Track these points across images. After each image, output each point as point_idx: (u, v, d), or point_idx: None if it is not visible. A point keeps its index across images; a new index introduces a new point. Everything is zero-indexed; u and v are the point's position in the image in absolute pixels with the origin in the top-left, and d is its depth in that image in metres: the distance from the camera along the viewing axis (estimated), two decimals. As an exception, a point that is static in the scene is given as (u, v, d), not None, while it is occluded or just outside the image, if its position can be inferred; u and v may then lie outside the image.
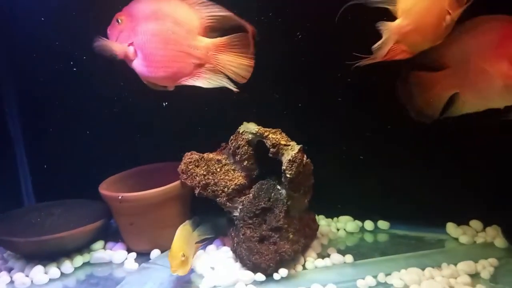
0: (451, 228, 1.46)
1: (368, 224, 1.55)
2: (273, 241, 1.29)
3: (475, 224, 1.45)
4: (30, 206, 1.65)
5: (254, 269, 1.27)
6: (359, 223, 1.55)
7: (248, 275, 1.24)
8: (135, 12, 1.26)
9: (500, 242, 1.35)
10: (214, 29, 1.25)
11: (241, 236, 1.31)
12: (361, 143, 1.51)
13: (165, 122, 1.56)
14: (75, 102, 1.58)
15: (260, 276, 1.24)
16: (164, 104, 1.48)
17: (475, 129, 1.35)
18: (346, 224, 1.55)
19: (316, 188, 1.37)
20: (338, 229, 1.54)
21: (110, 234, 1.51)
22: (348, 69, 1.15)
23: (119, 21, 1.26)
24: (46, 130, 1.61)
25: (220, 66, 1.23)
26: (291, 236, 1.30)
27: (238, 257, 1.32)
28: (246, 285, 1.21)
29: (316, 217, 1.48)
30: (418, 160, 1.48)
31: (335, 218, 1.59)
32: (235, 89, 1.25)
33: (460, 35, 1.22)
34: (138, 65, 1.26)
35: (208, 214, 1.54)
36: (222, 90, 1.28)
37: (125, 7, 1.28)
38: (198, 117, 1.56)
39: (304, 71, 1.48)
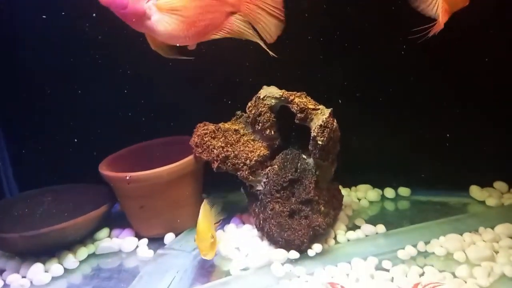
0: (475, 191, 1.42)
1: (389, 192, 1.48)
2: (305, 215, 1.18)
3: (499, 185, 1.42)
4: (16, 196, 1.43)
5: (287, 246, 1.16)
6: (379, 191, 1.48)
7: (281, 253, 1.14)
8: None
9: (527, 201, 1.33)
10: None
11: (269, 212, 1.19)
12: (376, 107, 1.43)
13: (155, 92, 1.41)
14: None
15: (294, 254, 1.14)
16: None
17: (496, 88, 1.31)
18: (366, 193, 1.47)
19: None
20: (359, 199, 1.47)
21: (113, 220, 1.34)
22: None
23: None
24: (25, 115, 1.39)
25: (252, 17, 1.07)
26: (322, 208, 1.20)
27: (266, 234, 1.20)
28: (282, 264, 1.11)
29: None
30: (435, 123, 1.43)
31: (353, 187, 1.52)
32: (270, 53, 1.10)
33: None
34: (160, 23, 1.03)
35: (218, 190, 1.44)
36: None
37: None
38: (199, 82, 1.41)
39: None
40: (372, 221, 1.32)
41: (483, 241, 1.16)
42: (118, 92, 1.40)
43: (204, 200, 1.19)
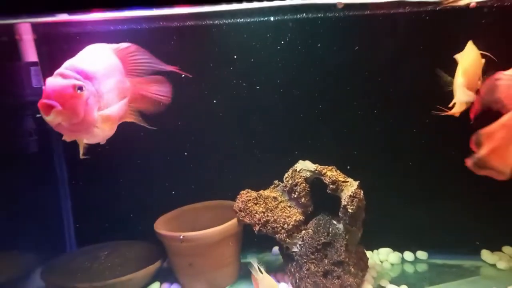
0: (486, 255, 1.57)
1: (408, 255, 1.63)
2: (337, 275, 1.33)
3: (508, 250, 1.57)
4: (76, 251, 1.59)
5: (322, 305, 1.31)
6: (399, 254, 1.63)
7: (317, 310, 1.28)
8: (92, 74, 1.08)
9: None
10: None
11: (305, 272, 1.34)
12: (393, 175, 1.62)
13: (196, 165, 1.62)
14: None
15: (330, 312, 1.28)
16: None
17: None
18: (388, 256, 1.62)
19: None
20: (381, 261, 1.61)
21: (162, 276, 1.48)
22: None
23: (81, 89, 1.02)
24: (89, 176, 1.59)
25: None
26: (352, 269, 1.35)
27: (302, 292, 1.35)
28: (319, 320, 1.24)
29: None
30: (447, 190, 1.60)
31: (375, 250, 1.67)
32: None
33: None
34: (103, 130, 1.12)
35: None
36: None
37: (72, 68, 1.05)
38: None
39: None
40: (395, 282, 1.45)
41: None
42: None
43: (255, 265, 1.24)
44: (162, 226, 1.47)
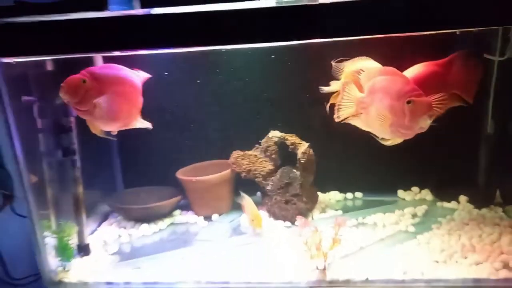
0: (400, 193, 2.27)
1: (349, 195, 2.31)
2: (294, 203, 2.06)
3: (415, 189, 2.28)
4: (125, 191, 2.35)
5: (284, 220, 2.05)
6: (343, 194, 2.33)
7: (280, 223, 2.03)
8: (98, 76, 1.52)
9: (429, 197, 2.22)
10: None
11: (274, 201, 2.08)
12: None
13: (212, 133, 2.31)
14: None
15: (288, 223, 2.03)
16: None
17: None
18: (334, 195, 2.33)
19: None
20: (329, 199, 2.32)
21: (182, 206, 2.25)
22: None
23: (85, 81, 1.47)
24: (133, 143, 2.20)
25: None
26: (304, 199, 2.08)
27: (272, 214, 2.09)
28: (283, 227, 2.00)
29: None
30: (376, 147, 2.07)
31: (327, 192, 2.36)
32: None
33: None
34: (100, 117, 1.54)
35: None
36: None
37: (87, 71, 1.51)
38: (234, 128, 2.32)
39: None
40: (335, 209, 2.19)
41: (396, 215, 2.03)
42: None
43: (244, 195, 2.03)
44: (182, 174, 2.21)
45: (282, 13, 1.31)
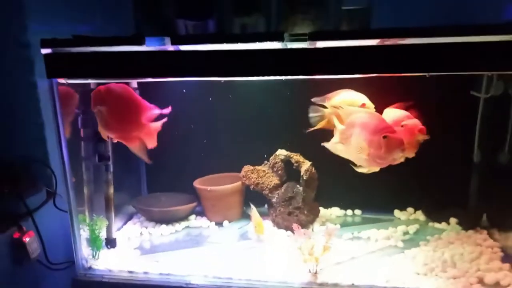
0: (396, 212, 2.46)
1: (349, 212, 2.53)
2: (296, 215, 2.30)
3: (410, 210, 2.47)
4: (148, 195, 2.66)
5: (286, 229, 2.29)
6: (343, 211, 2.55)
7: (283, 232, 2.27)
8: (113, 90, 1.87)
9: (422, 218, 2.41)
10: None
11: (278, 212, 2.33)
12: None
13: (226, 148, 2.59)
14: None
15: (289, 233, 2.26)
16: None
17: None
18: (335, 211, 2.56)
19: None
20: (330, 214, 2.55)
21: (197, 212, 2.53)
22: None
23: (100, 91, 1.85)
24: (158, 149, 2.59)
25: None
26: (306, 212, 2.32)
27: (276, 223, 2.33)
28: (285, 236, 2.24)
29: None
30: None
31: (328, 208, 2.59)
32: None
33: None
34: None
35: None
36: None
37: (106, 85, 1.85)
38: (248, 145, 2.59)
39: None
40: (334, 223, 2.41)
41: (389, 231, 2.23)
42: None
43: (253, 207, 2.30)
44: (198, 183, 2.49)
45: (287, 54, 1.61)
